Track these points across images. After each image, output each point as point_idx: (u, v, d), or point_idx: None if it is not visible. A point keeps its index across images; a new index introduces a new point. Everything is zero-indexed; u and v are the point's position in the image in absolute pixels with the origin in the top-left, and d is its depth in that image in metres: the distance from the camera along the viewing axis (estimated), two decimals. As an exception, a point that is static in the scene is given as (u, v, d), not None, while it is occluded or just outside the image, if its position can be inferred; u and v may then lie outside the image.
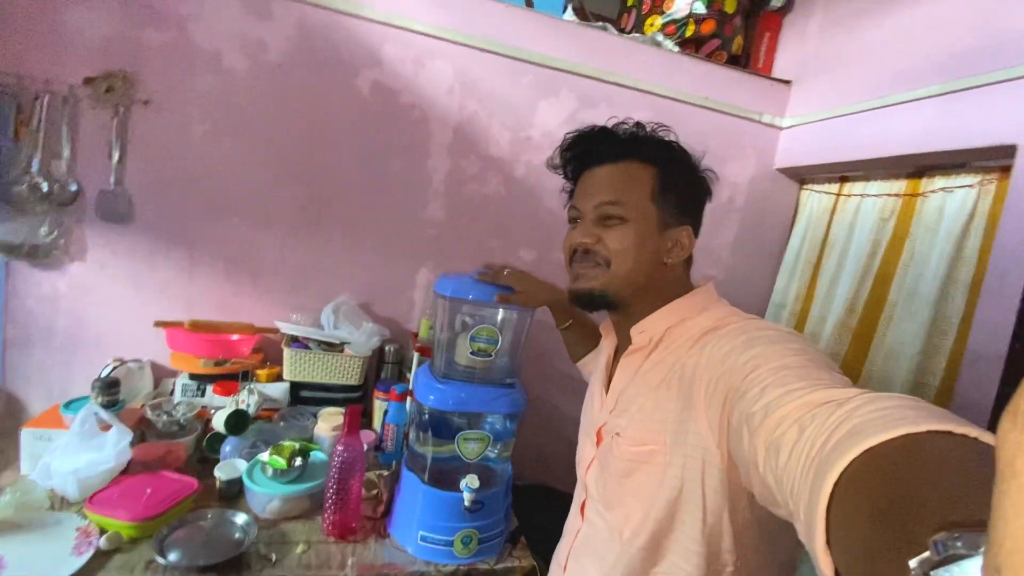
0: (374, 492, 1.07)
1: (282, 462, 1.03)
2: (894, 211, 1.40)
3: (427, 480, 1.01)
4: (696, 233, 0.71)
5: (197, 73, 1.28)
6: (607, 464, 0.68)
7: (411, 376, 1.35)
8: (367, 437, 1.25)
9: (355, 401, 1.39)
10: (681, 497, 0.58)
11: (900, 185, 1.40)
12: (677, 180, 0.68)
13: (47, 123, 1.20)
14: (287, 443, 1.08)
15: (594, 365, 0.89)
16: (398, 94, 1.40)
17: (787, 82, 1.69)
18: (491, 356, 0.99)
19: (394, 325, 1.51)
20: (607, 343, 0.83)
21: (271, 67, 1.32)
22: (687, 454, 0.57)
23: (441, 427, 1.00)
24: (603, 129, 0.71)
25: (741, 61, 1.76)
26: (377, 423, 1.33)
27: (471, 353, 0.98)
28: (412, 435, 1.08)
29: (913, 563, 0.21)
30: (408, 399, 1.23)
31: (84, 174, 1.25)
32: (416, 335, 1.47)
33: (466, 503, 0.96)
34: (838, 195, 1.60)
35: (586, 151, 0.72)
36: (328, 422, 1.24)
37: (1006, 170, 1.17)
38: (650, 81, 1.57)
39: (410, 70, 1.40)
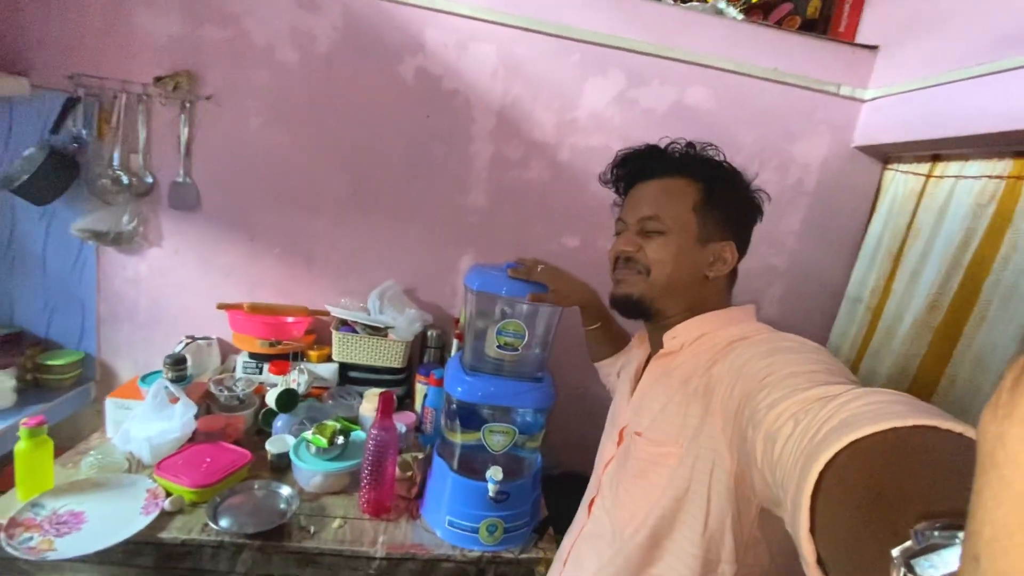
0: (408, 474, 1.12)
1: (323, 441, 1.10)
2: (995, 196, 1.21)
3: (455, 467, 1.03)
4: (742, 251, 0.73)
5: (253, 67, 1.34)
6: (624, 464, 0.70)
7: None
8: (407, 418, 1.29)
9: (399, 383, 1.44)
10: (686, 497, 0.59)
11: (1003, 166, 1.21)
12: (722, 196, 0.71)
13: (125, 121, 1.31)
14: (330, 423, 1.14)
15: (615, 367, 0.89)
16: (441, 79, 1.40)
17: (873, 48, 1.49)
18: (518, 350, 0.98)
19: (437, 311, 1.54)
20: (640, 350, 0.84)
21: (320, 58, 1.36)
22: (698, 455, 0.58)
23: (469, 417, 1.02)
24: (652, 147, 0.76)
25: (819, 26, 1.57)
26: (419, 405, 1.37)
27: (498, 347, 0.98)
28: (442, 423, 1.11)
29: (895, 552, 0.22)
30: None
31: (157, 167, 1.36)
32: (458, 321, 1.49)
33: (491, 493, 0.97)
34: (928, 176, 1.41)
35: (636, 168, 0.76)
36: (371, 403, 1.29)
37: None
38: (710, 54, 1.44)
39: (453, 55, 1.38)
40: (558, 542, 1.06)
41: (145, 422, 1.12)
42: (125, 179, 1.33)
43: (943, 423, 0.29)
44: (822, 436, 0.33)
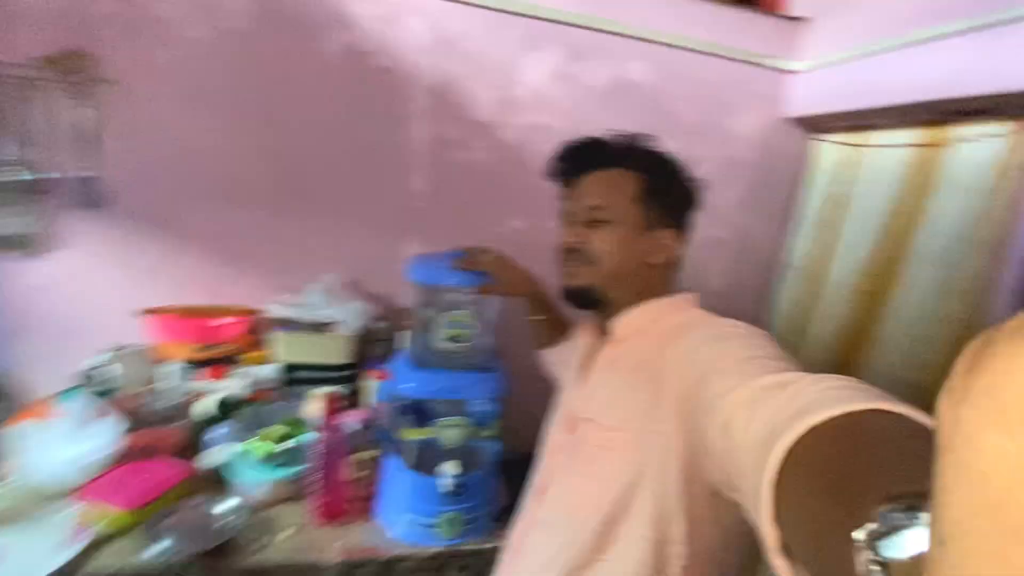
0: (362, 474, 1.08)
1: (269, 447, 1.05)
2: (917, 163, 1.28)
3: (410, 464, 1.01)
4: (684, 239, 0.77)
5: (158, 46, 1.21)
6: (576, 452, 0.71)
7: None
8: (360, 415, 1.25)
9: (347, 380, 1.39)
10: (640, 483, 0.61)
11: (925, 134, 1.27)
12: (663, 187, 0.74)
13: (16, 109, 1.16)
14: (275, 427, 1.09)
15: (560, 355, 0.90)
16: (370, 57, 1.31)
17: (803, 19, 1.52)
18: (468, 341, 0.96)
19: (385, 302, 1.48)
20: (585, 339, 0.85)
21: (235, 35, 1.24)
22: (650, 441, 0.60)
23: (421, 413, 0.99)
24: (595, 139, 0.78)
25: (754, -2, 1.59)
26: (369, 401, 1.33)
27: (447, 339, 0.95)
28: (393, 419, 1.08)
29: (858, 534, 0.22)
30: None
31: (61, 161, 1.22)
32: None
33: (448, 488, 0.96)
34: (857, 146, 1.47)
35: (579, 160, 0.78)
36: (317, 403, 1.24)
37: (1042, 116, 1.04)
38: (648, 27, 1.43)
39: (382, 29, 1.30)
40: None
41: (67, 442, 1.02)
42: (26, 176, 1.19)
43: (893, 407, 0.30)
44: (780, 423, 0.34)
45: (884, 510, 0.22)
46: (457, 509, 0.99)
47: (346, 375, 1.39)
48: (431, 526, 0.98)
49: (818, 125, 1.59)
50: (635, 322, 0.72)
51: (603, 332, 0.77)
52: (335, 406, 1.00)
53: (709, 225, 1.62)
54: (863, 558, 0.22)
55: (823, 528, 0.27)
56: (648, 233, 0.72)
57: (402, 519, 0.99)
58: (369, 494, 1.07)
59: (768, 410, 0.37)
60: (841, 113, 1.44)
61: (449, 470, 0.95)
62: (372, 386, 1.32)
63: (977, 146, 1.15)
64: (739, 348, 0.52)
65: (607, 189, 0.73)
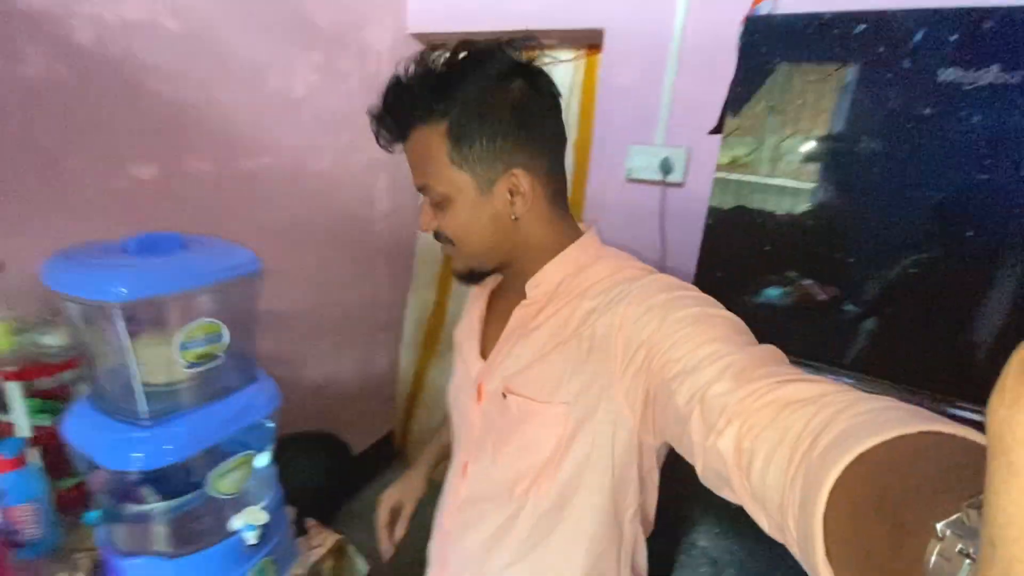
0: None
1: None
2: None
3: (172, 550, 0.70)
4: (539, 165, 0.59)
5: None
6: (495, 423, 0.63)
7: (17, 420, 0.82)
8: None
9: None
10: (589, 461, 0.57)
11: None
12: (473, 120, 0.55)
13: None
14: None
15: (459, 335, 0.75)
16: None
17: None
18: (219, 356, 0.69)
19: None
20: (479, 299, 0.73)
21: None
22: (598, 418, 0.55)
23: (171, 480, 0.69)
24: (395, 88, 0.58)
25: None
26: (-18, 514, 0.79)
27: (187, 366, 0.66)
28: (108, 509, 0.70)
29: (941, 525, 0.21)
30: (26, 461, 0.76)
31: None
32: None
33: (252, 541, 0.74)
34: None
35: (384, 126, 0.60)
36: None
37: (594, 47, 1.48)
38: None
39: None
40: (301, 517, 0.91)
41: None
42: None
43: (945, 427, 0.29)
44: (820, 452, 0.31)
45: (969, 504, 0.21)
46: (263, 556, 0.78)
47: None
48: (237, 596, 0.75)
49: (436, 44, 1.71)
50: (551, 279, 0.61)
51: (515, 293, 0.64)
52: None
53: (370, 146, 1.59)
54: (946, 548, 0.21)
55: (872, 548, 0.26)
56: (489, 191, 0.57)
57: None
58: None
59: (803, 434, 0.34)
60: (453, 34, 1.60)
61: (252, 521, 0.72)
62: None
63: (557, 68, 1.54)
64: (700, 320, 0.47)
65: (420, 161, 0.59)
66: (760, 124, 1.04)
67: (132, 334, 0.63)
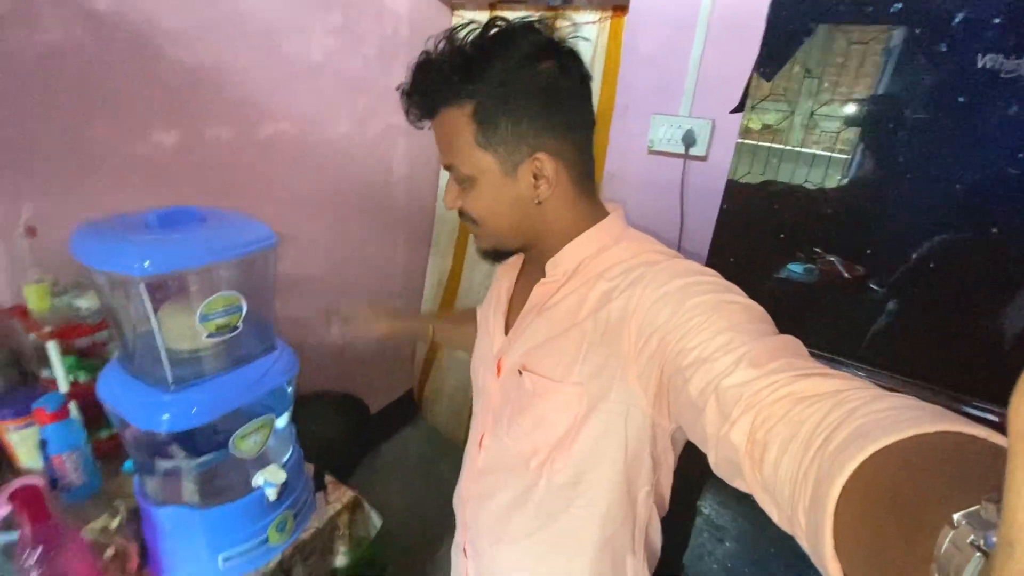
0: (111, 552, 0.76)
1: None
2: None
3: (199, 502, 0.76)
4: (565, 148, 0.58)
5: None
6: (510, 395, 0.65)
7: (57, 376, 0.88)
8: (30, 482, 0.80)
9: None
10: (603, 440, 0.58)
11: (543, 15, 1.53)
12: (494, 108, 0.55)
13: None
14: None
15: (483, 313, 0.77)
16: None
17: None
18: (238, 327, 0.72)
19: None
20: (507, 276, 0.74)
21: None
22: (611, 400, 0.56)
23: (197, 440, 0.73)
24: (422, 69, 0.57)
25: None
26: (30, 461, 0.86)
27: (208, 335, 0.69)
28: (141, 462, 0.76)
29: (958, 516, 0.21)
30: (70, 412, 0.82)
31: None
32: (24, 310, 0.91)
33: (271, 498, 0.79)
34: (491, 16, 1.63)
35: (414, 104, 0.59)
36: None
37: (619, 9, 1.41)
38: None
39: None
40: (320, 473, 0.97)
41: None
42: None
43: (966, 428, 0.28)
44: (835, 448, 0.31)
45: (986, 498, 0.21)
46: (283, 511, 0.84)
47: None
48: (260, 544, 0.81)
49: (454, 1, 1.65)
50: (567, 263, 0.62)
51: (537, 271, 0.65)
52: (34, 504, 0.62)
53: (386, 111, 1.57)
54: (958, 537, 0.21)
55: (883, 545, 0.26)
56: (513, 174, 0.57)
57: (216, 560, 0.77)
58: (135, 567, 0.77)
59: (818, 430, 0.33)
60: (473, -9, 1.55)
61: (271, 479, 0.77)
62: (24, 438, 0.85)
63: (580, 29, 1.48)
64: (716, 307, 0.47)
65: (447, 141, 0.59)
66: (794, 89, 0.99)
67: (156, 304, 0.66)
